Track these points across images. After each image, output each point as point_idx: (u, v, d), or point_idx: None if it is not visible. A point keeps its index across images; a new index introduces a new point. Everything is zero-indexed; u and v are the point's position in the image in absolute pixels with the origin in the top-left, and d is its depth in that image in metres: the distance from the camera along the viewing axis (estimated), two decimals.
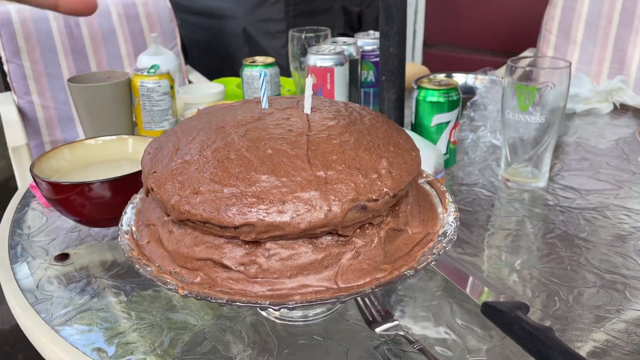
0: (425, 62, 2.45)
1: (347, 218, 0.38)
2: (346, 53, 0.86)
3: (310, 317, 0.50)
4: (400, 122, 0.83)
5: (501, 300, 0.49)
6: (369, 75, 0.95)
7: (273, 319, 0.50)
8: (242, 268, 0.39)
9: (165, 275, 0.41)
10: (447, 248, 0.42)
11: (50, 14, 1.42)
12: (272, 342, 0.47)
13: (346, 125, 0.44)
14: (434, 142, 0.76)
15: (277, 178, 0.38)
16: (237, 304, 0.37)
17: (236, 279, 0.39)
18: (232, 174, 0.39)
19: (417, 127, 0.77)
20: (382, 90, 0.80)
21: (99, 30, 1.49)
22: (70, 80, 0.86)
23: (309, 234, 0.38)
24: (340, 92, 0.85)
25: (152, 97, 0.86)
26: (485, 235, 0.63)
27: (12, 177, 1.39)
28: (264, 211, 0.37)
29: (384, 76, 0.79)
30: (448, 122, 0.75)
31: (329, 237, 0.40)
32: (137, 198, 0.51)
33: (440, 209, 0.48)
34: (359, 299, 0.51)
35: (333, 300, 0.38)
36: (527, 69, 0.70)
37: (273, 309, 0.38)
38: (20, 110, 1.41)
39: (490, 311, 0.47)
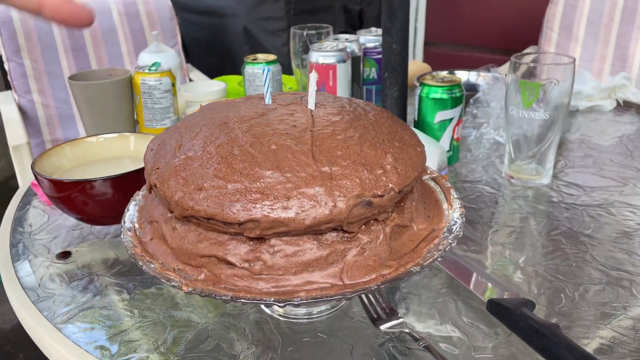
0: (426, 61, 2.44)
1: (353, 214, 0.38)
2: (348, 50, 0.85)
3: (315, 314, 0.49)
4: (403, 119, 0.82)
5: (506, 297, 0.48)
6: (371, 72, 0.95)
7: (277, 316, 0.49)
8: (246, 265, 0.39)
9: (168, 272, 0.40)
10: (453, 244, 0.42)
11: None
12: (276, 339, 0.47)
13: (351, 121, 0.43)
14: (437, 139, 0.75)
15: (282, 174, 0.38)
16: (242, 300, 0.37)
17: (240, 275, 0.39)
18: (236, 169, 0.39)
19: (420, 124, 0.76)
20: (384, 87, 0.80)
21: (100, 28, 1.49)
22: (71, 77, 0.85)
23: (314, 230, 0.38)
24: (342, 89, 0.84)
25: (154, 94, 0.86)
26: (489, 233, 0.63)
27: (13, 176, 1.39)
28: (269, 207, 0.37)
29: (387, 73, 0.79)
30: (451, 119, 0.75)
31: (334, 234, 0.39)
32: (139, 195, 0.50)
33: (445, 205, 0.48)
34: (363, 296, 0.50)
35: (339, 296, 0.38)
36: (531, 65, 0.69)
37: (278, 305, 0.37)
38: (21, 109, 1.41)
39: (496, 308, 0.46)
